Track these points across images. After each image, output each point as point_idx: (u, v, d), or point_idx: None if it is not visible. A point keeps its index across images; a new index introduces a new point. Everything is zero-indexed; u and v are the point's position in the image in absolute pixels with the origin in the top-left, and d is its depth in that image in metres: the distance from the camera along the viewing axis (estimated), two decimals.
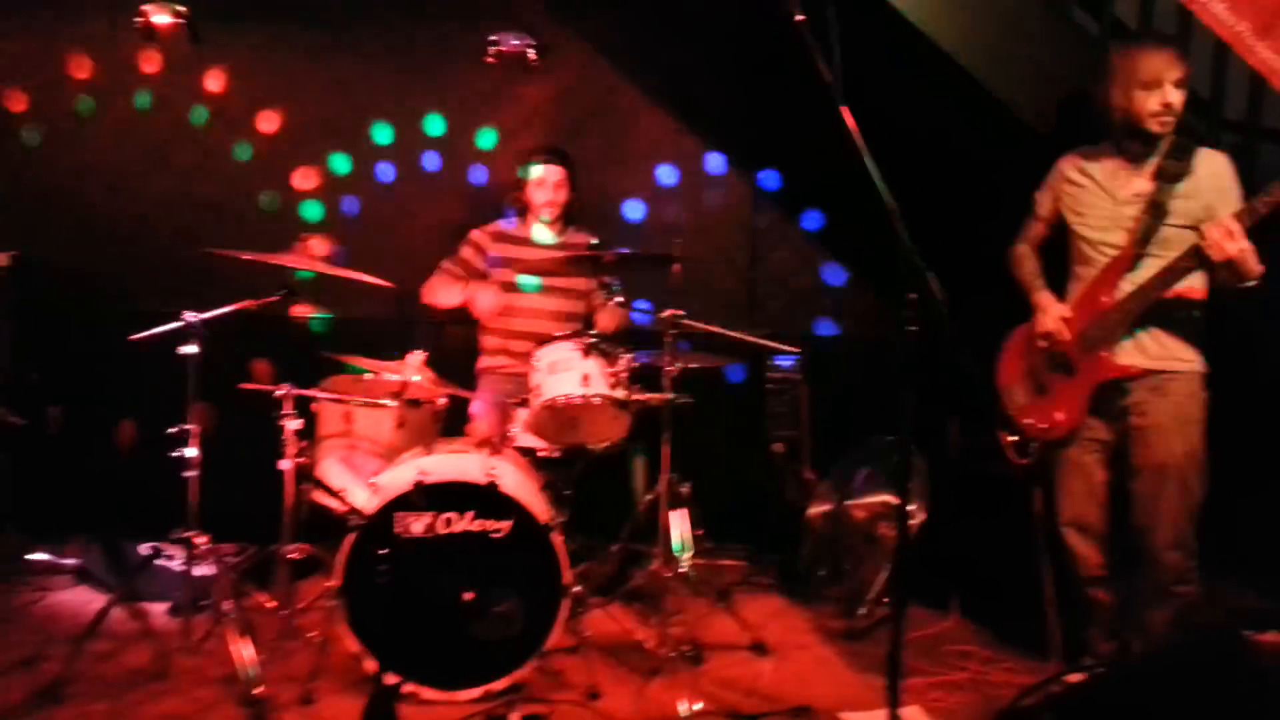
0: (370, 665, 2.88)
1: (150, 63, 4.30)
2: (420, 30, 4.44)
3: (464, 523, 2.96)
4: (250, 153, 4.42)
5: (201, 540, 3.11)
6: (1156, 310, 2.89)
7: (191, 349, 3.10)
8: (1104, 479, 3.05)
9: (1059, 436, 3.06)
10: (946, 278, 2.42)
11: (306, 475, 3.33)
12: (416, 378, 3.43)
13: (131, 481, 3.87)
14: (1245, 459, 3.11)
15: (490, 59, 4.31)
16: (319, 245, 4.32)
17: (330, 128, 4.46)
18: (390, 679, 2.83)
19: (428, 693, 2.91)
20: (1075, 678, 2.77)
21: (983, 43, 3.53)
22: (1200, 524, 2.93)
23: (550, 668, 3.06)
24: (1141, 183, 2.93)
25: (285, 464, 3.23)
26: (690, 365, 3.36)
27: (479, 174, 4.52)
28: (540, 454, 3.51)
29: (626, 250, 3.44)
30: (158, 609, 3.43)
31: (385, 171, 4.50)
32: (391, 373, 3.43)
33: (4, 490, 3.78)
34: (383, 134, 4.48)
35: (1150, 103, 2.85)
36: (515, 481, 3.07)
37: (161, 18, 4.11)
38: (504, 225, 4.09)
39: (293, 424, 3.23)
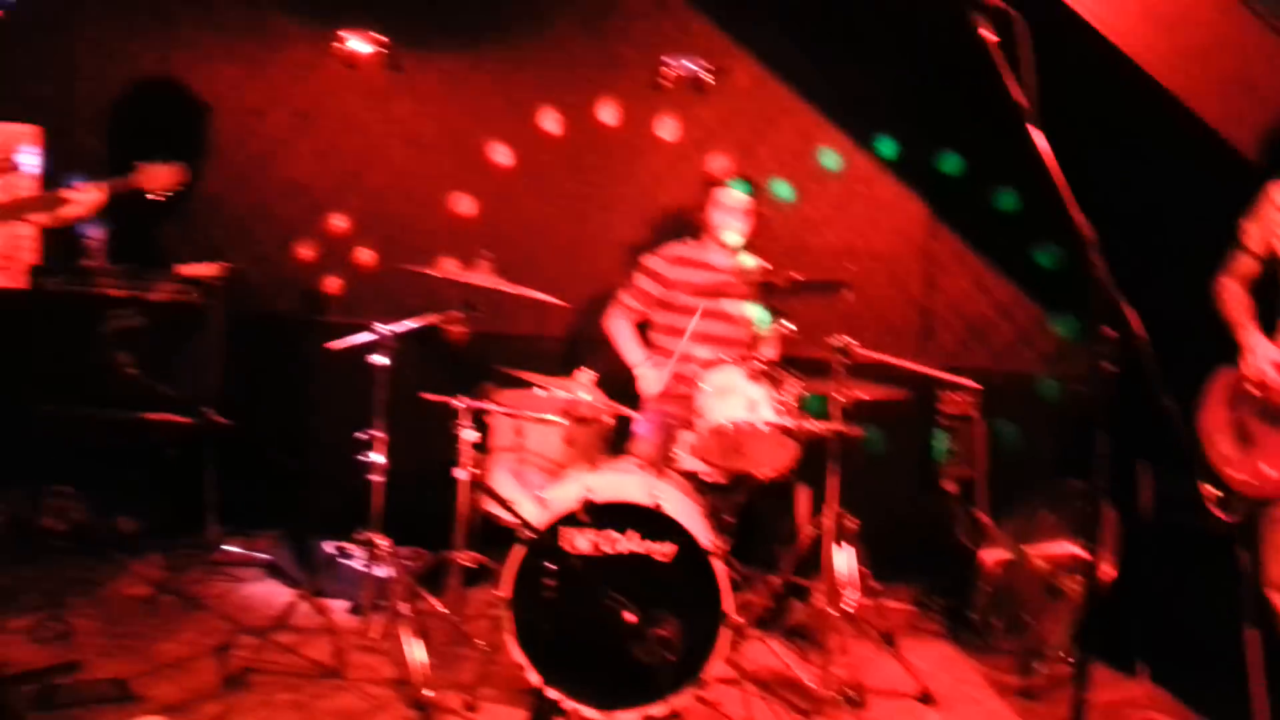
0: (533, 678, 2.94)
1: (349, 88, 4.58)
2: (596, 54, 4.56)
3: (628, 543, 2.98)
4: (435, 172, 4.63)
5: (383, 542, 3.26)
6: None
7: (381, 359, 3.26)
8: None
9: (1270, 494, 2.80)
10: (1144, 312, 2.27)
11: (480, 485, 3.44)
12: (586, 396, 3.49)
13: (321, 483, 4.10)
14: None
15: (665, 82, 4.37)
16: (495, 263, 4.47)
17: (510, 149, 4.61)
18: (551, 694, 2.88)
19: (587, 710, 2.94)
20: None
21: (1186, 62, 3.30)
22: None
23: (707, 698, 3.03)
24: None
25: (461, 473, 3.35)
26: (861, 396, 3.28)
27: (653, 194, 4.59)
28: (704, 479, 3.50)
29: (798, 275, 3.39)
30: (339, 606, 3.62)
31: (562, 190, 4.62)
32: (562, 390, 3.51)
33: (210, 486, 4.07)
34: (558, 154, 4.60)
35: None
36: (679, 505, 3.07)
37: (361, 46, 4.37)
38: (680, 249, 4.09)
39: (469, 435, 3.34)
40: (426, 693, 2.94)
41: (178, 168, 3.06)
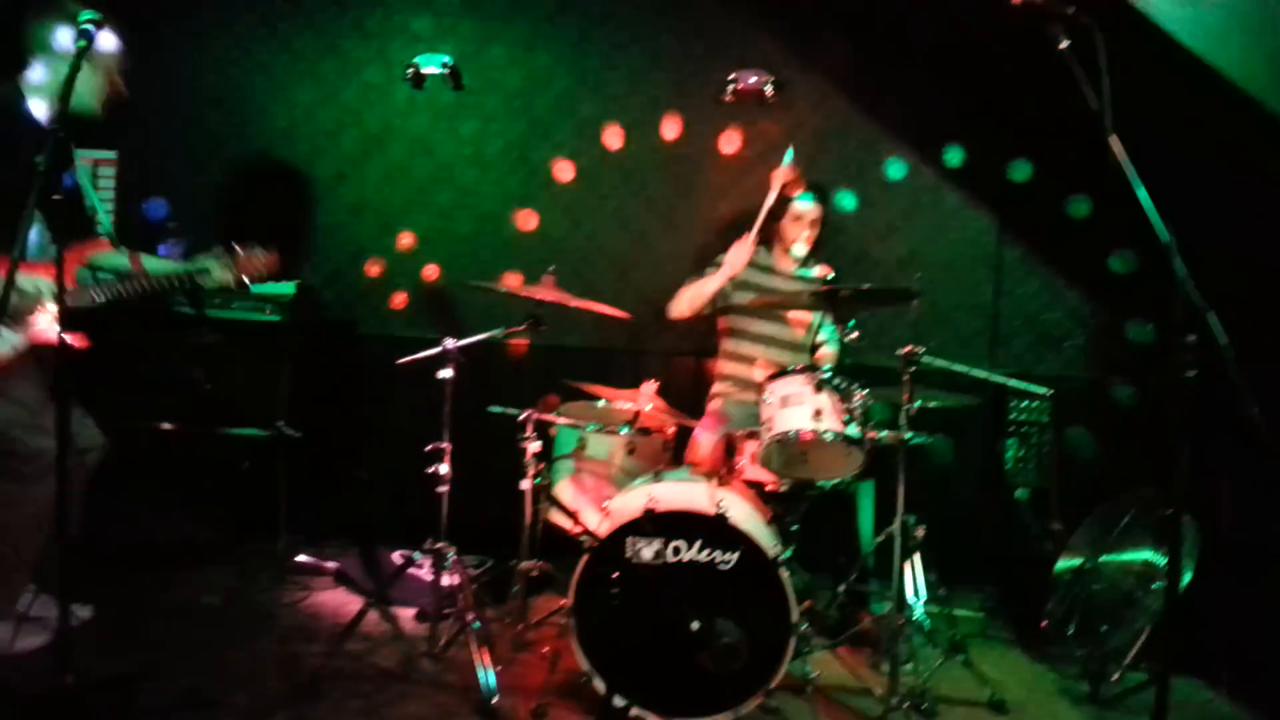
0: (599, 685, 2.94)
1: (418, 109, 4.69)
2: (659, 72, 4.60)
3: (692, 552, 2.97)
4: (500, 190, 4.71)
5: (450, 551, 3.29)
6: None
7: (448, 373, 3.31)
8: None
9: None
10: (1227, 319, 2.20)
11: (544, 495, 3.46)
12: (648, 406, 3.50)
13: (389, 493, 4.17)
14: None
15: (729, 97, 4.38)
16: (559, 278, 4.52)
17: (574, 166, 4.66)
18: (617, 701, 2.87)
19: (652, 718, 2.92)
20: None
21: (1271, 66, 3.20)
22: None
23: (774, 706, 3.00)
24: None
25: (525, 484, 3.38)
26: (930, 404, 3.24)
27: (713, 206, 4.60)
28: (768, 488, 3.48)
29: (866, 285, 3.37)
30: (406, 614, 3.67)
31: (625, 205, 4.66)
32: (625, 400, 3.52)
33: (281, 496, 4.16)
34: (622, 170, 4.64)
35: None
36: (743, 514, 3.06)
37: (430, 68, 4.47)
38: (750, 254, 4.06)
39: (533, 446, 3.37)
40: (493, 701, 2.95)
41: (273, 257, 3.10)
